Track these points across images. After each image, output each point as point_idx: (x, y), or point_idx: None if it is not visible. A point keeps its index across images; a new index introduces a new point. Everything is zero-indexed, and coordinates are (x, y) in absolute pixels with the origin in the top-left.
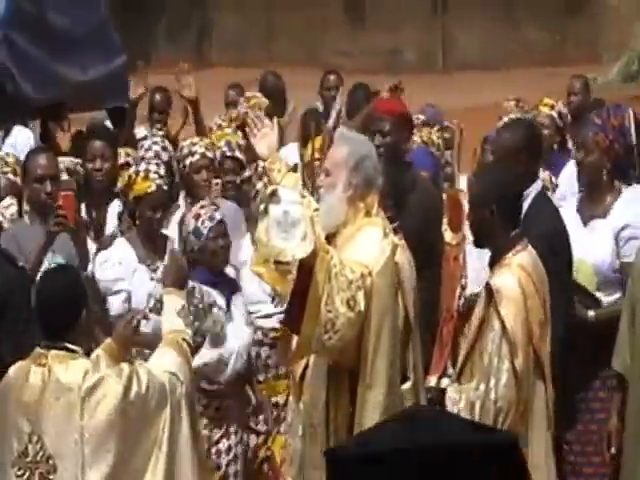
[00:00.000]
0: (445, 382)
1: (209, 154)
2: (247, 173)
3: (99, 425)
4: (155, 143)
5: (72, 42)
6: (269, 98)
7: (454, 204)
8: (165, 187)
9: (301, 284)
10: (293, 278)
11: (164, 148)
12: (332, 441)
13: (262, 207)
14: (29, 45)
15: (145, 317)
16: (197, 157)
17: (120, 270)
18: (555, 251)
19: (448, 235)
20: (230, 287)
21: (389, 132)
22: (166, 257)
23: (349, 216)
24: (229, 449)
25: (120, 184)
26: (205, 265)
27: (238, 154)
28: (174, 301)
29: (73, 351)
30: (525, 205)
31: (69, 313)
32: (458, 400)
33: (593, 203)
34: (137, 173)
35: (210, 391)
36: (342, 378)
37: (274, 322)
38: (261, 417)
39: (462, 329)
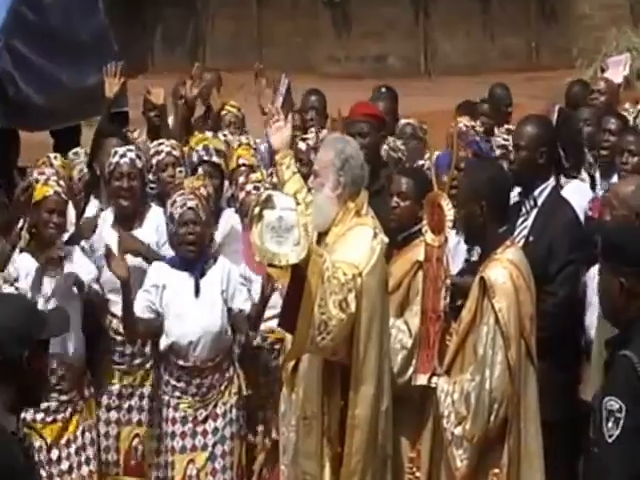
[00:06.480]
0: (435, 381)
1: (175, 152)
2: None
3: None
4: (130, 150)
5: (74, 48)
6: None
7: (435, 205)
8: (63, 195)
9: (295, 286)
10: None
11: (139, 156)
12: (326, 434)
13: (257, 211)
14: (30, 51)
15: None
16: (163, 155)
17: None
18: (576, 241)
19: (429, 237)
20: (201, 269)
21: (366, 133)
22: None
23: (339, 215)
24: (215, 430)
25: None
26: (179, 251)
27: (215, 159)
28: None
29: None
30: (542, 197)
31: None
32: (452, 391)
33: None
34: (37, 181)
35: (187, 367)
36: (334, 372)
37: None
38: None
39: (448, 329)
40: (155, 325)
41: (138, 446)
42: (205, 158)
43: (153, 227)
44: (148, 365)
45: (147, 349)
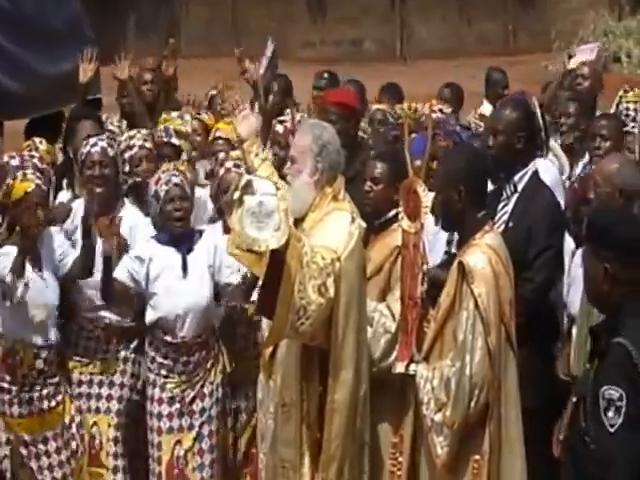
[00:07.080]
0: (414, 368)
1: (147, 144)
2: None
3: None
4: (101, 139)
5: (47, 36)
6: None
7: (410, 192)
8: (44, 186)
9: (273, 271)
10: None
11: (110, 145)
12: (305, 420)
13: (237, 196)
14: (3, 39)
15: None
16: (135, 149)
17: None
18: (555, 226)
19: (405, 223)
20: (188, 245)
21: (336, 121)
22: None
23: (317, 201)
24: (203, 410)
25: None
26: (166, 228)
27: (175, 140)
28: None
29: None
30: (522, 182)
31: None
32: (431, 378)
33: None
34: (14, 179)
35: (174, 344)
36: (312, 358)
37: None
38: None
39: (426, 315)
40: (132, 294)
41: (95, 434)
42: (165, 140)
43: (126, 227)
44: (109, 355)
45: (111, 347)
